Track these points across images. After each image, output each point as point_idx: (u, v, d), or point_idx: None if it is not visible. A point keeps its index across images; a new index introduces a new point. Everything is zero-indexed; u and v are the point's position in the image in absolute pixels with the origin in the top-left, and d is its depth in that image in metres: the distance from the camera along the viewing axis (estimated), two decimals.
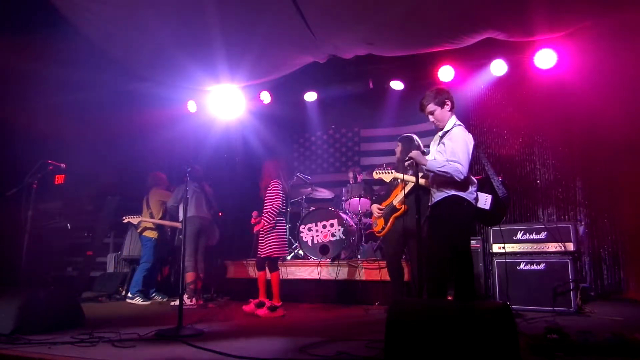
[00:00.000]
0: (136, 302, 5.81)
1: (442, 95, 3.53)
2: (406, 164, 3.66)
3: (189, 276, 5.46)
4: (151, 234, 6.11)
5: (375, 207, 4.68)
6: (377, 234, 4.80)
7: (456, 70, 6.04)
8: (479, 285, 5.15)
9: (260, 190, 5.08)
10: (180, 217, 5.98)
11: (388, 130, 7.80)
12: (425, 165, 3.48)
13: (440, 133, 3.61)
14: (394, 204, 4.54)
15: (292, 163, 8.36)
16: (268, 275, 4.88)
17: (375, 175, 4.46)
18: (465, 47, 5.15)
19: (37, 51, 5.48)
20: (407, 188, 4.39)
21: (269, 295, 4.86)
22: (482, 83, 6.32)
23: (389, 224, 4.54)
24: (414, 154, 3.55)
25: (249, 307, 4.76)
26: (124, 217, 6.06)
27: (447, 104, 3.52)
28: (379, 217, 4.65)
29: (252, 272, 5.96)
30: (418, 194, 3.80)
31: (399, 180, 4.57)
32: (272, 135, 7.63)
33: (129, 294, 5.94)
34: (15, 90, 6.23)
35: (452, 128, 3.52)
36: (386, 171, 4.39)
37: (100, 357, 2.88)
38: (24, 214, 4.56)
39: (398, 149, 4.59)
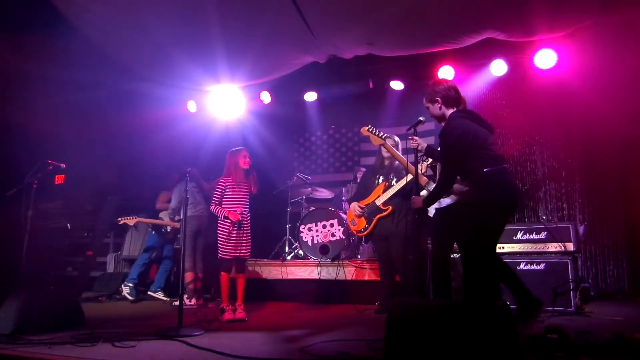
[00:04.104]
0: (158, 296, 6.10)
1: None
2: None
3: (187, 276, 5.49)
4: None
5: (356, 205, 4.66)
6: (357, 234, 4.78)
7: (456, 70, 6.03)
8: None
9: (241, 177, 4.64)
10: (178, 217, 6.03)
11: (388, 130, 7.64)
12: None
13: None
14: (378, 205, 4.53)
15: (292, 163, 8.35)
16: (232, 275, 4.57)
17: (364, 131, 4.43)
18: (465, 47, 5.15)
19: (37, 51, 5.48)
20: (393, 190, 4.43)
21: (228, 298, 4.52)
22: (482, 83, 6.30)
23: (372, 225, 4.54)
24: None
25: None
26: (119, 219, 6.09)
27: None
28: (360, 216, 4.64)
29: (256, 272, 5.96)
30: (411, 195, 3.80)
31: (380, 180, 4.59)
32: (272, 135, 7.62)
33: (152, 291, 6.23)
34: (15, 90, 6.23)
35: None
36: (380, 134, 4.36)
37: (100, 357, 2.88)
38: (24, 214, 4.55)
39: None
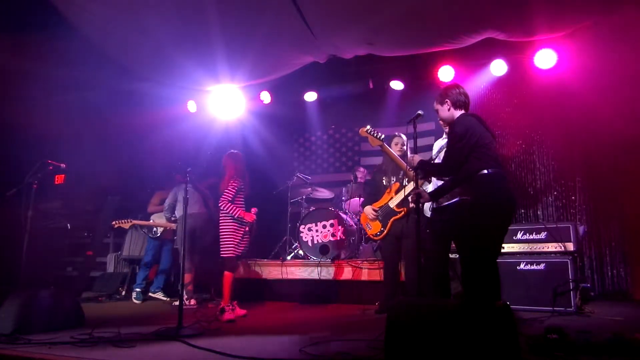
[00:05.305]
0: (158, 296, 6.13)
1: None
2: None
3: (186, 277, 5.50)
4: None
5: (370, 209, 4.62)
6: (374, 237, 4.72)
7: (456, 70, 6.03)
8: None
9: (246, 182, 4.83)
10: (174, 217, 6.05)
11: (388, 130, 7.71)
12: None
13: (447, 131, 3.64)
14: (392, 207, 4.50)
15: (292, 163, 8.36)
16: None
17: (362, 132, 4.38)
18: (465, 47, 5.15)
19: (36, 51, 5.49)
20: (406, 191, 4.39)
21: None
22: (482, 83, 6.31)
23: (387, 228, 4.50)
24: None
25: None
26: (113, 222, 6.09)
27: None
28: (374, 220, 4.61)
29: (256, 272, 5.96)
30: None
31: (392, 180, 4.57)
32: (272, 135, 7.63)
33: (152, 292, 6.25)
34: (15, 90, 6.23)
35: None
36: (378, 136, 4.31)
37: (100, 357, 2.89)
38: (24, 214, 4.55)
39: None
